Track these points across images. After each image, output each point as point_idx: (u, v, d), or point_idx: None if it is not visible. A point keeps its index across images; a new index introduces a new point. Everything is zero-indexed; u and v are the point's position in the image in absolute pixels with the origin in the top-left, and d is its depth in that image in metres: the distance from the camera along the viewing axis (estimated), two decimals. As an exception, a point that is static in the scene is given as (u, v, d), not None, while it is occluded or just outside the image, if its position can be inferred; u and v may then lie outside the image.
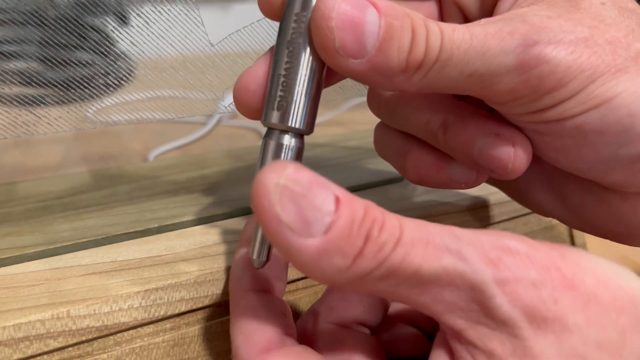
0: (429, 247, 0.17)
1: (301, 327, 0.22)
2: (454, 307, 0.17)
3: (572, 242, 0.37)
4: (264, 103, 0.21)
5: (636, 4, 0.22)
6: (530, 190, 0.27)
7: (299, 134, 0.20)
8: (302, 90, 0.20)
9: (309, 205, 0.16)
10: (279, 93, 0.20)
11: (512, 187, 0.28)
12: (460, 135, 0.23)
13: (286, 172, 0.17)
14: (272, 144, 0.20)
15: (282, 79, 0.20)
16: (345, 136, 0.40)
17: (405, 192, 0.32)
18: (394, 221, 0.17)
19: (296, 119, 0.20)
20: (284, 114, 0.20)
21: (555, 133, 0.21)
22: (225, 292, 0.23)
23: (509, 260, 0.16)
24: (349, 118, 0.53)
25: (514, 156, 0.22)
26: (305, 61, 0.20)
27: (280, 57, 0.20)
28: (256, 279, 0.21)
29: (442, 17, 0.25)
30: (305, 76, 0.20)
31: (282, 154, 0.20)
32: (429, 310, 0.17)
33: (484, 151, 0.23)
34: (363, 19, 0.18)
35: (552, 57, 0.19)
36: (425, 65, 0.19)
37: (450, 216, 0.30)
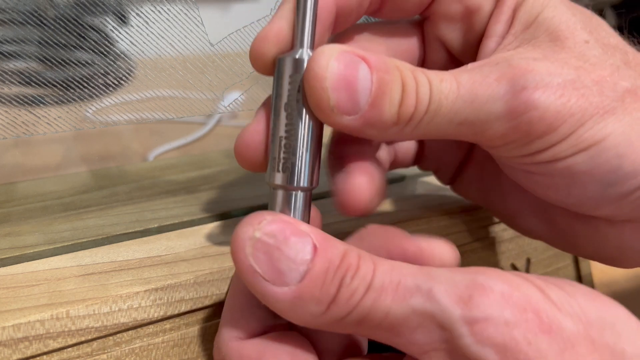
0: (399, 289, 0.17)
1: None
2: (428, 348, 0.17)
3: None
4: (265, 158, 0.21)
5: (619, 38, 0.22)
6: (518, 215, 0.27)
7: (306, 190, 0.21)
8: (304, 150, 0.20)
9: (282, 257, 0.17)
10: (282, 155, 0.20)
11: (501, 211, 0.28)
12: (335, 153, 0.23)
13: (261, 225, 0.18)
14: (279, 203, 0.21)
15: (283, 141, 0.20)
16: (345, 136, 0.40)
17: (405, 192, 0.32)
18: (368, 265, 0.17)
19: (302, 179, 0.20)
20: (290, 176, 0.20)
21: (545, 173, 0.21)
22: (224, 292, 0.23)
23: (480, 299, 0.16)
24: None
25: (342, 193, 0.21)
26: (304, 121, 0.20)
27: (278, 119, 0.20)
28: None
29: (426, 52, 0.25)
30: (306, 136, 0.20)
31: (291, 214, 0.20)
32: (407, 351, 0.18)
33: (334, 179, 0.22)
34: (356, 77, 0.19)
35: (541, 102, 0.19)
36: (416, 117, 0.19)
37: (450, 216, 0.30)
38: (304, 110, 0.20)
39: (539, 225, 0.26)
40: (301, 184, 0.20)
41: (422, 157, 0.29)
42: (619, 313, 0.17)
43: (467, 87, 0.19)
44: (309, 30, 0.20)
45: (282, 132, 0.20)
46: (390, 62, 0.19)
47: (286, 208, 0.20)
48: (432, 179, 0.34)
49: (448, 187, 0.31)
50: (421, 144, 0.29)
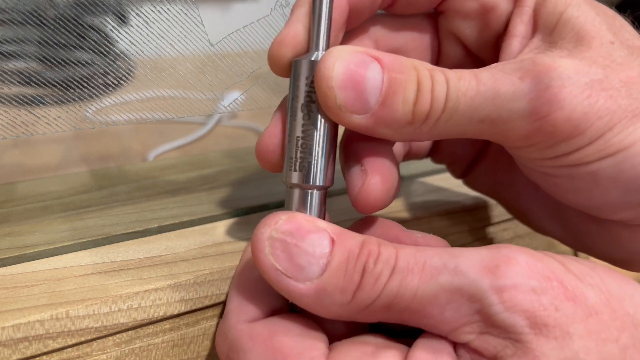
0: (425, 269, 0.17)
1: None
2: (458, 324, 0.17)
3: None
4: (282, 158, 0.21)
5: None
6: (530, 212, 0.27)
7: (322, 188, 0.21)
8: (320, 150, 0.21)
9: (301, 252, 0.18)
10: (299, 155, 0.21)
11: (513, 206, 0.28)
12: (347, 149, 0.23)
13: (278, 224, 0.18)
14: (296, 202, 0.21)
15: (300, 141, 0.21)
16: (345, 136, 0.40)
17: (405, 192, 0.32)
18: (389, 250, 0.18)
19: (318, 178, 0.21)
20: (306, 175, 0.21)
21: (567, 176, 0.21)
22: (224, 292, 0.23)
23: (507, 269, 0.16)
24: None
25: (357, 192, 0.21)
26: (320, 122, 0.20)
27: (295, 120, 0.21)
28: None
29: (441, 46, 0.25)
30: (322, 136, 0.21)
31: (307, 211, 0.21)
32: (437, 331, 0.18)
33: (348, 176, 0.22)
34: (364, 76, 0.19)
35: (567, 102, 0.18)
36: (433, 115, 0.19)
37: (450, 216, 0.30)
38: (319, 110, 0.20)
39: (552, 224, 0.26)
40: (317, 183, 0.21)
41: (437, 150, 0.29)
42: (637, 286, 0.17)
43: (488, 85, 0.19)
44: (324, 33, 0.20)
45: (298, 133, 0.21)
46: (406, 62, 0.19)
47: (302, 207, 0.21)
48: (432, 179, 0.34)
49: (446, 188, 0.31)
50: None
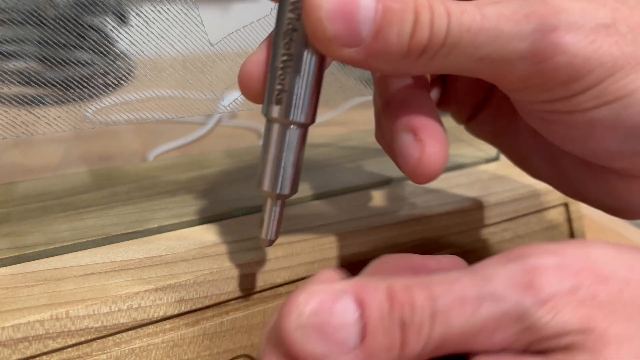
0: (465, 304, 0.17)
1: None
2: (508, 343, 0.17)
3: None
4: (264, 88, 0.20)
5: None
6: (528, 158, 0.27)
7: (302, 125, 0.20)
8: (301, 83, 0.19)
9: (334, 329, 0.17)
10: (277, 87, 0.20)
11: (511, 152, 0.28)
12: (390, 120, 0.22)
13: (300, 309, 0.17)
14: (274, 137, 0.20)
15: (279, 72, 0.20)
16: (345, 136, 0.40)
17: (405, 192, 0.32)
18: (421, 294, 0.17)
19: (297, 112, 0.20)
20: (285, 108, 0.20)
21: (564, 123, 0.20)
22: (224, 292, 0.23)
23: (541, 281, 0.17)
24: (349, 118, 0.53)
25: (417, 162, 0.21)
26: (303, 51, 0.19)
27: (277, 48, 0.20)
28: None
29: None
30: (303, 67, 0.19)
31: (285, 148, 0.20)
32: (486, 352, 0.18)
33: (400, 144, 0.21)
34: (356, 5, 0.18)
35: (571, 47, 0.18)
36: (430, 50, 0.18)
37: (450, 216, 0.30)
38: (303, 39, 0.19)
39: (548, 170, 0.26)
40: (295, 118, 0.20)
41: (442, 98, 0.28)
42: None
43: (493, 21, 0.18)
44: None
45: (278, 62, 0.19)
46: None
47: (280, 143, 0.20)
48: (432, 179, 0.34)
49: (446, 188, 0.30)
50: (449, 84, 0.28)
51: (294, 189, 0.21)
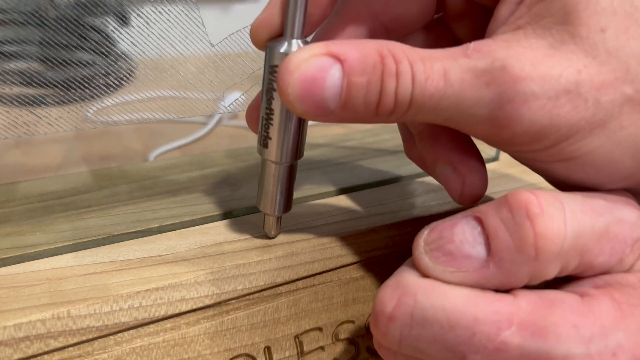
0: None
1: None
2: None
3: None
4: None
5: None
6: None
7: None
8: (282, 133, 0.22)
9: (458, 247, 0.19)
10: (263, 132, 0.23)
11: None
12: (428, 151, 0.24)
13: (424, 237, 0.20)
14: (266, 171, 0.24)
15: (264, 122, 0.22)
16: (345, 136, 0.40)
17: (405, 192, 0.32)
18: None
19: (280, 156, 0.23)
20: (270, 152, 0.23)
21: (528, 165, 0.22)
22: (225, 292, 0.23)
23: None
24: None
25: (460, 191, 0.24)
26: (281, 109, 0.22)
27: (262, 100, 0.22)
28: None
29: None
30: (281, 121, 0.22)
31: (276, 181, 0.24)
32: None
33: (441, 175, 0.24)
34: (320, 86, 0.18)
35: (527, 118, 0.18)
36: (397, 113, 0.19)
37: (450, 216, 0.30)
38: (280, 101, 0.21)
39: None
40: (280, 160, 0.23)
41: None
42: None
43: (455, 88, 0.18)
44: (294, 18, 0.21)
45: (263, 112, 0.22)
46: (371, 59, 0.18)
47: (268, 176, 0.24)
48: (432, 179, 0.34)
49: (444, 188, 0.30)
50: None
51: (287, 209, 0.25)
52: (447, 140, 0.24)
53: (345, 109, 0.19)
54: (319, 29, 0.23)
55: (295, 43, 0.21)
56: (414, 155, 0.28)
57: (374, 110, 0.19)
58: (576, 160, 0.19)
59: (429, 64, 0.19)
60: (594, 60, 0.18)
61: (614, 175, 0.20)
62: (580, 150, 0.19)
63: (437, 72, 0.19)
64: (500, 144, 0.20)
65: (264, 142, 0.23)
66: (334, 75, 0.18)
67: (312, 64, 0.18)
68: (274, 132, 0.22)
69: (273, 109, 0.22)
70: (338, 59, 0.18)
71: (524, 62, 0.18)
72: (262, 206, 0.25)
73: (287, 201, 0.25)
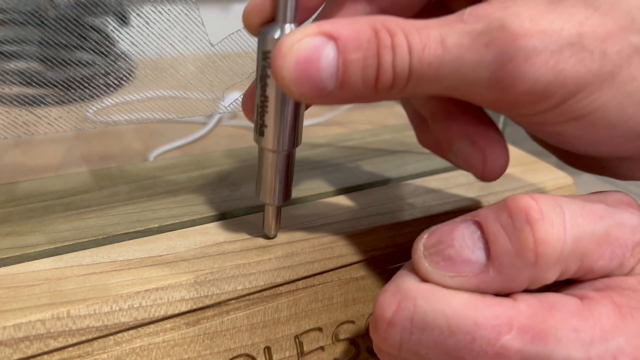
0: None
1: None
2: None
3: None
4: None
5: None
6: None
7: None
8: (277, 120, 0.22)
9: (457, 251, 0.19)
10: (258, 120, 0.22)
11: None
12: (443, 131, 0.24)
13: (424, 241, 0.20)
14: (264, 159, 0.24)
15: (259, 109, 0.22)
16: (345, 136, 0.40)
17: (405, 192, 0.32)
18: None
19: (277, 144, 0.22)
20: (267, 140, 0.22)
21: (538, 131, 0.21)
22: (225, 292, 0.23)
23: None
24: (349, 118, 0.53)
25: (482, 166, 0.23)
26: (276, 95, 0.21)
27: (257, 88, 0.22)
28: None
29: None
30: (277, 107, 0.22)
31: (274, 169, 0.24)
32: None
33: (459, 153, 0.23)
34: (317, 67, 0.18)
35: (530, 75, 0.18)
36: (397, 86, 0.19)
37: (450, 216, 0.30)
38: (275, 86, 0.21)
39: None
40: (277, 148, 0.23)
41: None
42: None
43: (454, 53, 0.18)
44: (288, 3, 0.20)
45: (257, 100, 0.22)
46: (365, 34, 0.18)
47: (266, 165, 0.23)
48: (431, 179, 0.34)
49: (445, 188, 0.30)
50: None
51: (287, 197, 0.25)
52: (462, 115, 0.23)
53: (344, 88, 0.18)
54: (316, 17, 0.23)
55: (288, 27, 0.20)
56: (429, 140, 0.27)
57: (373, 87, 0.19)
58: (587, 117, 0.19)
59: (424, 32, 0.18)
60: (595, 12, 0.18)
61: (629, 132, 0.19)
62: (590, 106, 0.18)
63: (434, 39, 0.18)
64: (506, 109, 0.19)
65: (260, 130, 0.22)
66: (328, 54, 0.18)
67: (305, 44, 0.18)
68: (269, 119, 0.22)
69: (267, 96, 0.21)
70: (331, 37, 0.18)
71: (522, 19, 0.18)
72: (262, 196, 0.24)
73: (287, 190, 0.24)
